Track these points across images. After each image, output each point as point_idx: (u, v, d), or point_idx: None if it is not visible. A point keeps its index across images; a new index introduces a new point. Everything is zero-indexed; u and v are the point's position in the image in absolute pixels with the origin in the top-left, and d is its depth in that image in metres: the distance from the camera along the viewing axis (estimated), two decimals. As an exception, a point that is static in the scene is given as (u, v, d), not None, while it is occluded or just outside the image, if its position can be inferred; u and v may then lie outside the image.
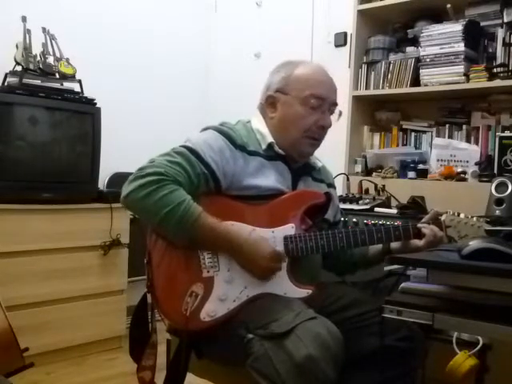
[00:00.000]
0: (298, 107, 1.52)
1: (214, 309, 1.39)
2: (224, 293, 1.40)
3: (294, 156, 1.57)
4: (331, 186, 1.73)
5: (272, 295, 1.41)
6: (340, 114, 1.60)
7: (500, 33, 2.48)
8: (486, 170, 2.43)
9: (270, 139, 1.54)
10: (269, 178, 1.50)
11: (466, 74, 2.52)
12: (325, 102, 1.53)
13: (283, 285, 1.42)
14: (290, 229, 1.46)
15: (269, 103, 1.57)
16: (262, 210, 1.47)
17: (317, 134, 1.55)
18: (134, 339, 1.55)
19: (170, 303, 1.41)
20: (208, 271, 1.41)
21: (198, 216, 1.36)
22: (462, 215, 1.45)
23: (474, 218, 1.43)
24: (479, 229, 1.40)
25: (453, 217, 1.46)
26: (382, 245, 1.58)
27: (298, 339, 1.22)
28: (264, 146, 1.53)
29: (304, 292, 1.42)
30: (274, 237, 1.45)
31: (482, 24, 2.58)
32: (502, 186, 1.85)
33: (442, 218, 1.48)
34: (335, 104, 1.57)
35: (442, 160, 2.59)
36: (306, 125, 1.52)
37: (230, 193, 1.47)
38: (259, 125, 1.57)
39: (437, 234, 1.47)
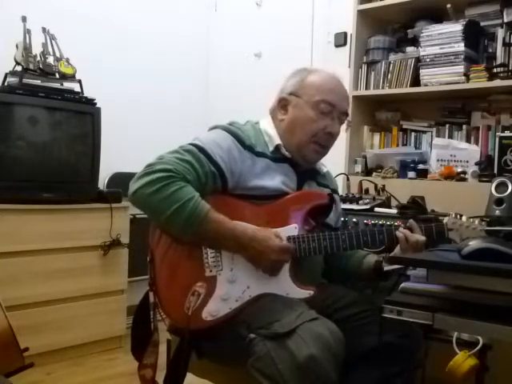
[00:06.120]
0: (309, 110, 1.53)
1: (216, 308, 1.39)
2: (226, 292, 1.40)
3: (299, 160, 1.57)
4: (335, 191, 1.74)
5: (274, 295, 1.41)
6: (349, 124, 1.62)
7: (500, 33, 2.48)
8: (486, 170, 2.43)
9: (277, 141, 1.54)
10: (274, 180, 1.50)
11: (466, 74, 2.51)
12: (335, 109, 1.54)
13: (285, 285, 1.43)
14: (293, 229, 1.47)
15: (281, 105, 1.58)
16: (266, 209, 1.48)
17: (323, 141, 1.55)
18: (135, 337, 1.55)
19: (172, 302, 1.41)
20: (211, 270, 1.42)
21: (207, 213, 1.36)
22: (463, 218, 1.45)
23: (476, 221, 1.43)
24: (481, 232, 1.40)
25: (455, 220, 1.46)
26: (374, 261, 1.59)
27: (300, 339, 1.22)
28: (271, 148, 1.54)
29: (306, 293, 1.43)
30: None
31: (482, 24, 2.58)
32: (502, 186, 1.84)
33: (444, 220, 1.49)
34: (346, 114, 1.59)
35: (442, 160, 2.59)
36: (314, 129, 1.53)
37: (234, 192, 1.47)
38: (268, 127, 1.58)
39: (409, 239, 1.47)
